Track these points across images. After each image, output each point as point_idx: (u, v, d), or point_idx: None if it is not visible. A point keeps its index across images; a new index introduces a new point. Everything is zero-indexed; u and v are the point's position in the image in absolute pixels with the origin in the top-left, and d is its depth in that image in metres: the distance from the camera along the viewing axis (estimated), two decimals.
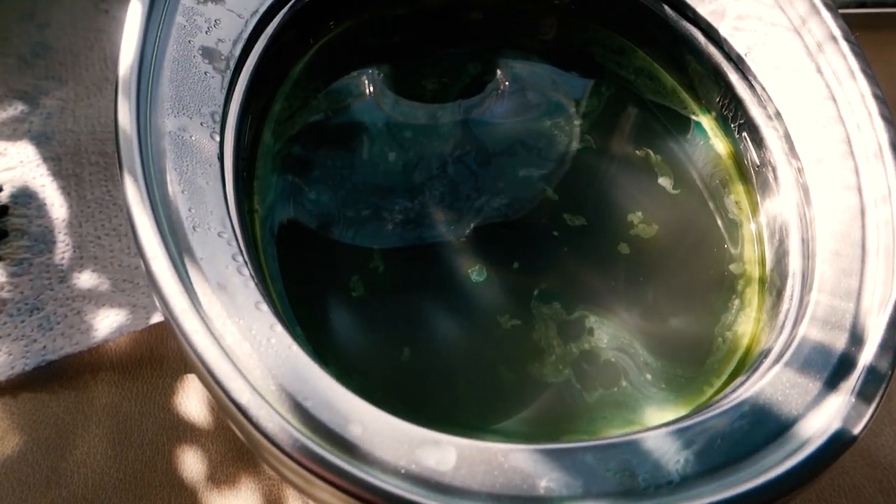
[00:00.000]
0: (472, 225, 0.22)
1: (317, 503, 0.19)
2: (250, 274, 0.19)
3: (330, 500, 0.17)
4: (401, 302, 0.22)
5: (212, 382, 0.17)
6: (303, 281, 0.22)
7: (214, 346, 0.17)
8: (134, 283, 0.33)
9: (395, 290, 0.22)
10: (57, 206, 0.35)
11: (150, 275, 0.18)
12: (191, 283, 0.18)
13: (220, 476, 0.30)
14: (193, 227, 0.19)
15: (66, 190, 0.36)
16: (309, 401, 0.17)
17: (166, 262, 0.18)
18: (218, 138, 0.21)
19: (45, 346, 0.31)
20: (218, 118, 0.21)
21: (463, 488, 0.16)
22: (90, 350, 0.31)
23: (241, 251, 0.19)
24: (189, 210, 0.19)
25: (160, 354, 0.32)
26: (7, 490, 0.29)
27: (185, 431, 0.31)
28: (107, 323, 0.32)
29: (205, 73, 0.21)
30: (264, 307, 0.18)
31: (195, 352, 0.17)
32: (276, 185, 0.23)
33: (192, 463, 0.30)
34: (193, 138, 0.20)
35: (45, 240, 0.34)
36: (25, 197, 0.36)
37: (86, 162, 0.37)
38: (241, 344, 0.17)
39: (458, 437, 0.17)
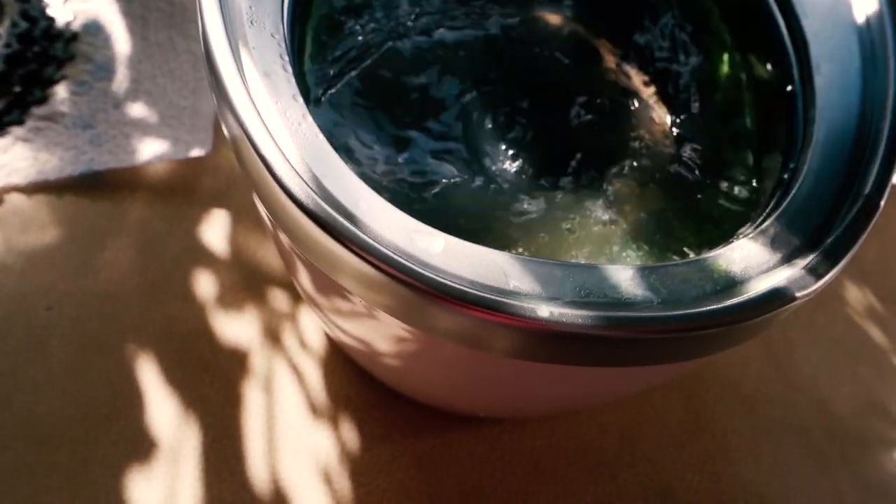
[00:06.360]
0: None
1: (316, 275, 0.22)
2: (293, 72, 0.21)
3: (333, 269, 0.19)
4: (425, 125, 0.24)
5: (250, 146, 0.19)
6: (335, 86, 0.24)
7: (256, 116, 0.19)
8: (180, 120, 0.36)
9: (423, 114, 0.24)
10: (122, 41, 0.38)
11: (208, 53, 0.20)
12: (241, 66, 0.20)
13: (228, 300, 0.33)
14: (251, 22, 0.21)
15: (132, 29, 0.39)
16: (327, 179, 0.19)
17: (225, 43, 0.20)
18: None
19: (92, 158, 0.34)
20: None
21: (446, 270, 0.19)
22: (132, 168, 0.34)
23: (287, 52, 0.21)
24: (250, 8, 0.21)
25: (193, 186, 0.35)
26: (43, 272, 0.32)
27: (203, 256, 0.34)
28: (150, 149, 0.35)
29: None
30: (300, 99, 0.21)
31: (239, 119, 0.19)
32: (329, 8, 0.25)
33: (205, 284, 0.33)
34: None
35: (107, 68, 0.37)
36: (95, 28, 0.38)
37: (153, 7, 0.39)
38: (277, 122, 0.20)
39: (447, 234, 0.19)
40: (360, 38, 0.25)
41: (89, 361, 0.30)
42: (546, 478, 0.31)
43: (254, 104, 0.19)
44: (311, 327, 0.32)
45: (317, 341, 0.32)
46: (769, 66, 0.27)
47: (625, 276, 0.19)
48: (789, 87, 0.25)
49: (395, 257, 0.18)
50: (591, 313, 0.18)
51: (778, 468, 0.33)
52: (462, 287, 0.18)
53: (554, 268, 0.19)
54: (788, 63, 0.26)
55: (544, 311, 0.18)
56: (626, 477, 0.32)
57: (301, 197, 0.18)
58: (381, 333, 0.23)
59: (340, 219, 0.18)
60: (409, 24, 0.26)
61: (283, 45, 0.21)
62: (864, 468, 0.33)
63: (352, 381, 0.31)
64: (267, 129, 0.19)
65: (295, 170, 0.19)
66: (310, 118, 0.20)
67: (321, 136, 0.20)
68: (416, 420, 0.31)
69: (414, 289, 0.18)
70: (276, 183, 0.19)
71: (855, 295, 0.38)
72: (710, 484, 0.32)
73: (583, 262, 0.20)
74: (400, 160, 0.24)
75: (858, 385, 0.35)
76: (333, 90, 0.24)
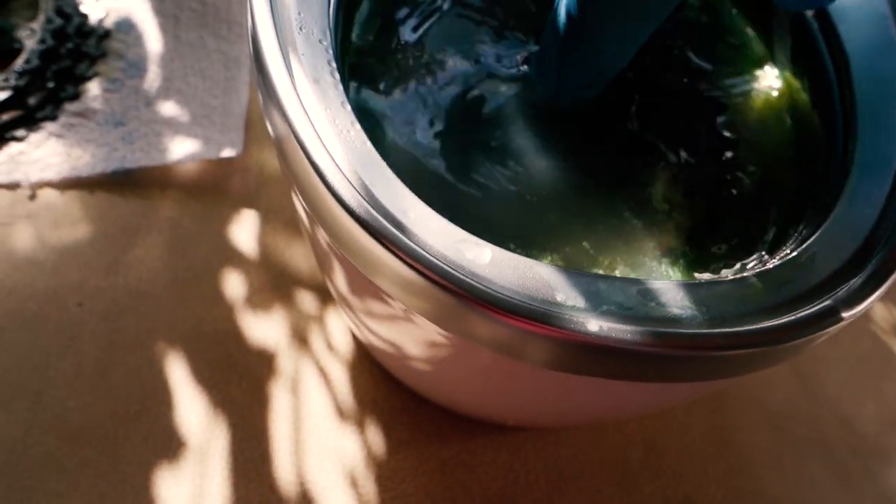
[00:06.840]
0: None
1: (355, 278, 0.22)
2: (340, 78, 0.21)
3: (377, 273, 0.19)
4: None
5: (300, 150, 0.19)
6: (381, 93, 0.24)
7: (307, 121, 0.19)
8: (211, 119, 0.36)
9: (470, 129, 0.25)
10: (153, 40, 0.38)
11: (258, 57, 0.20)
12: (291, 71, 0.20)
13: (257, 301, 0.33)
14: (300, 28, 0.21)
15: (164, 27, 0.39)
16: (376, 187, 0.19)
17: (276, 48, 0.20)
18: None
19: (124, 156, 0.35)
20: None
21: (493, 280, 0.19)
22: (164, 167, 0.35)
23: (334, 59, 0.21)
24: (298, 14, 0.22)
25: (224, 186, 0.35)
26: (73, 268, 0.32)
27: (233, 257, 0.34)
28: (182, 148, 0.35)
29: None
30: (348, 107, 0.21)
31: (290, 124, 0.19)
32: (373, 19, 0.25)
33: (234, 285, 0.33)
34: None
35: (139, 66, 0.37)
36: (127, 26, 0.39)
37: (185, 6, 0.39)
38: (326, 128, 0.20)
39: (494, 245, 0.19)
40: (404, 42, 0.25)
41: (119, 358, 0.30)
42: (569, 487, 0.31)
43: (304, 109, 0.20)
44: (339, 330, 0.33)
45: (344, 344, 0.32)
46: (810, 85, 0.27)
47: (670, 291, 0.19)
48: (830, 107, 0.25)
49: (447, 268, 0.18)
50: (642, 329, 0.18)
51: (801, 484, 0.33)
52: (513, 299, 0.18)
53: (599, 281, 0.19)
54: (829, 82, 0.26)
55: (594, 325, 0.18)
56: (650, 488, 0.32)
57: (352, 205, 0.18)
58: (416, 338, 0.23)
59: (391, 227, 0.18)
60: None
61: (331, 51, 0.22)
62: (887, 485, 0.33)
63: (378, 386, 0.31)
64: (317, 134, 0.19)
65: (345, 176, 0.19)
66: (358, 125, 0.20)
67: (369, 144, 0.20)
68: (442, 426, 0.31)
69: (464, 299, 0.18)
70: (327, 189, 0.19)
71: (881, 312, 0.38)
72: (733, 498, 0.32)
73: (627, 276, 0.20)
74: (436, 162, 0.24)
75: (883, 402, 0.35)
76: (375, 94, 0.24)
